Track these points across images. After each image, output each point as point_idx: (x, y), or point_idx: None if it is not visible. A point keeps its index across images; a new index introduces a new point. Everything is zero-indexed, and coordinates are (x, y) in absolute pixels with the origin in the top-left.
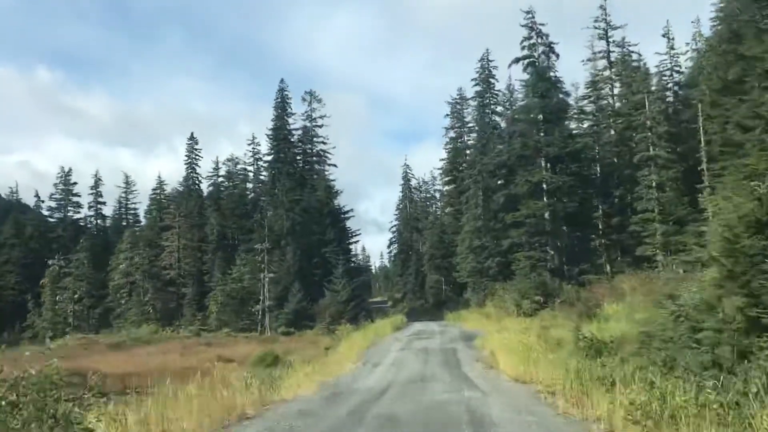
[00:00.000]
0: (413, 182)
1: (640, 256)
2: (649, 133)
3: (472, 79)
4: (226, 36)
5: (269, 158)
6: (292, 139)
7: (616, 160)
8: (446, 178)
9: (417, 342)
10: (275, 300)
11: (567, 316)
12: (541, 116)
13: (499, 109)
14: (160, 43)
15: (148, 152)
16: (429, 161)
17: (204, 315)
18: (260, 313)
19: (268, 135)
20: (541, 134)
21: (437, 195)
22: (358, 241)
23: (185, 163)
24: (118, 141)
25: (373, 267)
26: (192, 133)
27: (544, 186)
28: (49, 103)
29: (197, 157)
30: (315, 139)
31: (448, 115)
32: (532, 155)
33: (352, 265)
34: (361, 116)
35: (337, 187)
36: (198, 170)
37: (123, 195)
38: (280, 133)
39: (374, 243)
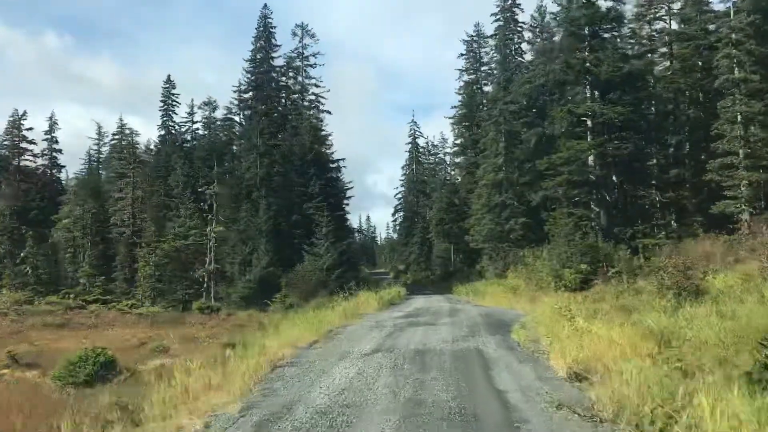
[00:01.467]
0: (421, 141)
1: (717, 215)
2: (735, 50)
3: (491, 14)
4: (236, 3)
5: (246, 96)
6: (275, 74)
7: (674, 96)
8: (458, 128)
9: (409, 333)
10: (241, 265)
11: (658, 293)
12: (587, 29)
13: (527, 37)
14: (170, 11)
15: (156, 120)
16: (439, 134)
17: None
18: (205, 279)
19: (245, 69)
20: (586, 53)
21: (447, 159)
22: (350, 196)
23: (160, 110)
24: (126, 108)
25: (378, 238)
26: (168, 76)
27: (589, 122)
28: (57, 69)
29: (174, 103)
30: (307, 81)
31: (462, 54)
32: (574, 80)
33: (347, 224)
34: (370, 89)
35: (326, 133)
36: (175, 119)
37: (95, 147)
38: (260, 66)
39: (382, 216)
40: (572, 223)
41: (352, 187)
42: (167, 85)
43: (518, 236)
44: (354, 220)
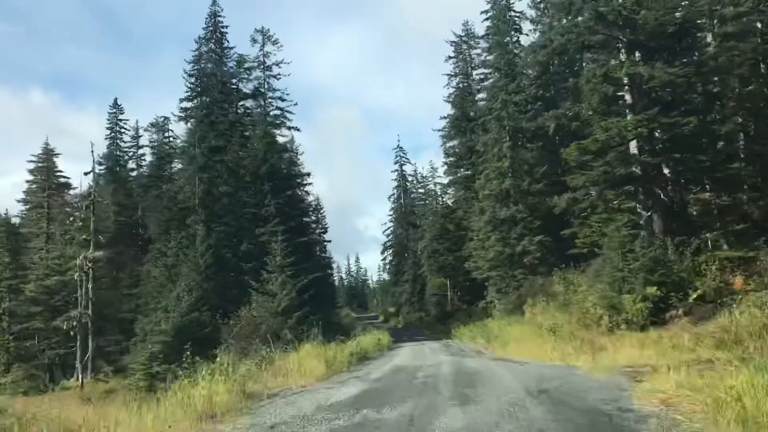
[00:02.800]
0: (408, 169)
1: None
2: None
3: (482, 12)
4: None
5: (188, 105)
6: (225, 78)
7: (728, 66)
8: (449, 143)
9: None
10: (164, 312)
11: None
12: None
13: (529, 15)
14: (158, 66)
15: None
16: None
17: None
18: (78, 332)
19: (187, 72)
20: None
21: (437, 189)
22: (320, 220)
23: (106, 138)
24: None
25: (371, 281)
26: (115, 100)
27: (628, 97)
28: (45, 124)
29: (122, 130)
30: (270, 94)
31: (451, 57)
32: (604, 41)
33: (316, 254)
34: (358, 133)
35: (285, 140)
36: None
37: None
38: (206, 69)
39: (374, 261)
40: (627, 228)
41: (321, 208)
42: (114, 110)
43: (534, 259)
44: (342, 263)
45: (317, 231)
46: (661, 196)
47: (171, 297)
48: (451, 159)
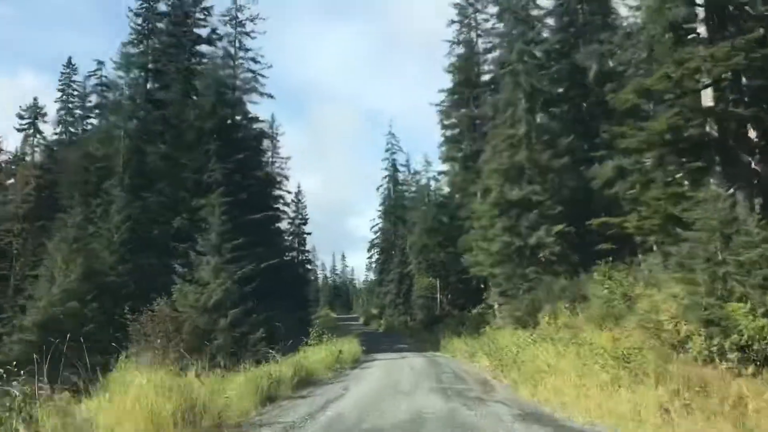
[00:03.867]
0: (399, 157)
1: None
2: None
3: None
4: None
5: (132, 51)
6: (179, 21)
7: None
8: (447, 120)
9: None
10: (34, 300)
11: None
12: None
13: None
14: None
15: None
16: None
17: None
18: None
19: (134, 11)
20: None
21: (431, 182)
22: (303, 215)
23: (57, 100)
24: None
25: (357, 282)
26: (69, 59)
27: (702, 30)
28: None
29: (75, 92)
30: (241, 54)
31: (455, 21)
32: None
33: (279, 237)
34: (352, 134)
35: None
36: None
37: None
38: (155, 8)
39: (363, 261)
40: (728, 202)
41: (302, 197)
42: (67, 71)
43: (551, 255)
44: (327, 260)
45: (296, 221)
46: (752, 164)
47: (41, 279)
48: (449, 134)
